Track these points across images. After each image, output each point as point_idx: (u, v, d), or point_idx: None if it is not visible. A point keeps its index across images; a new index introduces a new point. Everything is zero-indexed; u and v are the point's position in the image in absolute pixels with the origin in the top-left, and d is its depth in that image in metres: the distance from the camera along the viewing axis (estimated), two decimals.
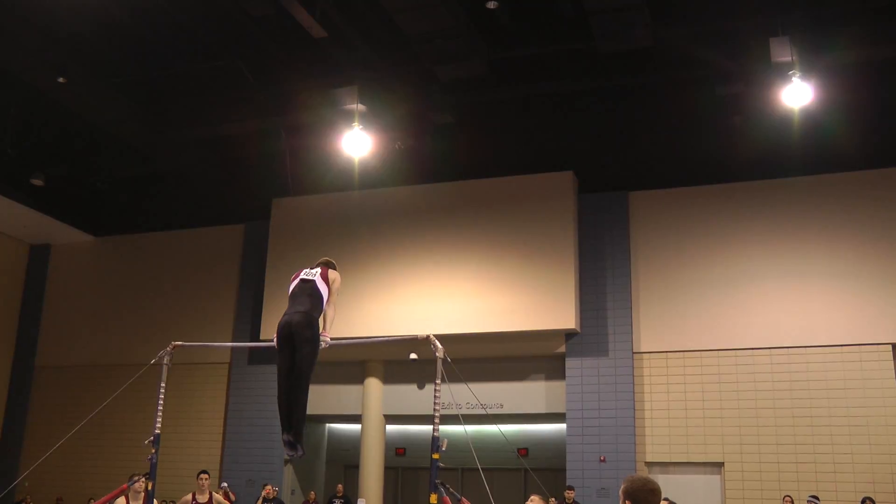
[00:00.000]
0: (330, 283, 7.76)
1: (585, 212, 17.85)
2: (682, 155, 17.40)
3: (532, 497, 7.98)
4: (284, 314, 7.56)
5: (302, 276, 7.79)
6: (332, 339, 7.74)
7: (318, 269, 7.82)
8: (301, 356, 7.35)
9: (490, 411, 16.48)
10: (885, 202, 16.26)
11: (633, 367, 16.93)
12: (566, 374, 17.27)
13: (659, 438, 16.60)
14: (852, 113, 15.49)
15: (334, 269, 7.98)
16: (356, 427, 19.83)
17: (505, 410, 17.81)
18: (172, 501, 15.47)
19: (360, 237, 18.60)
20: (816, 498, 14.50)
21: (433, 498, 7.23)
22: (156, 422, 8.65)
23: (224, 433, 19.49)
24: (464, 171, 18.39)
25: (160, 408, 8.70)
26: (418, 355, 17.77)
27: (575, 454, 16.83)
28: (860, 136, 15.92)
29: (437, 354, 7.64)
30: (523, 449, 19.57)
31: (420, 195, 18.70)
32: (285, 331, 7.43)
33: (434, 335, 7.76)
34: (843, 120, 15.44)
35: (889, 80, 15.10)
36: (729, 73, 15.14)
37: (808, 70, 13.78)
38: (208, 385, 19.95)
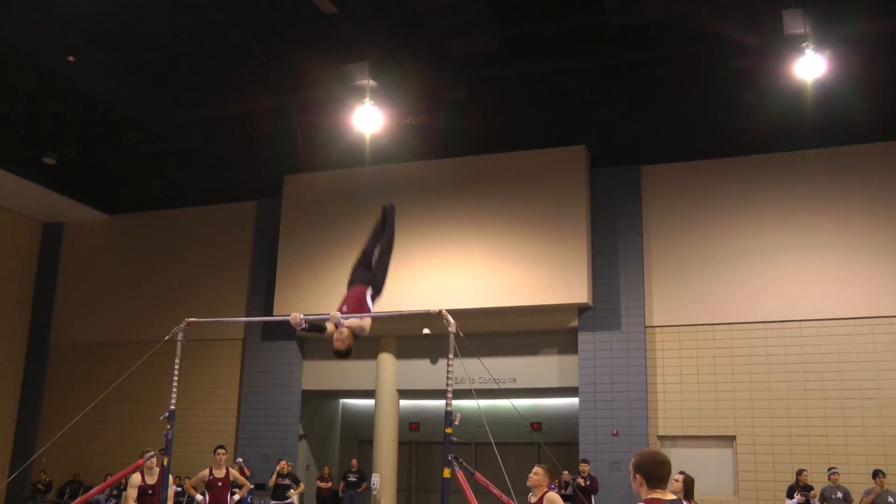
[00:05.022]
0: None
1: (598, 186, 17.80)
2: (695, 128, 17.32)
3: (536, 469, 7.89)
4: None
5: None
6: (343, 315, 7.82)
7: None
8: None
9: (503, 386, 16.54)
10: None
11: (645, 342, 16.94)
12: (579, 349, 17.30)
13: (671, 412, 16.63)
14: (866, 85, 15.37)
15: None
16: (370, 402, 19.94)
17: (518, 385, 17.85)
18: (188, 477, 15.60)
19: (372, 213, 18.42)
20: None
21: (446, 472, 7.26)
22: (171, 398, 8.69)
23: (239, 409, 19.62)
24: (475, 147, 18.35)
25: (175, 384, 8.76)
26: (431, 330, 17.79)
27: (588, 428, 16.89)
28: (874, 108, 15.80)
29: (450, 329, 7.62)
30: (536, 423, 19.65)
31: (432, 171, 18.68)
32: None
33: (447, 310, 7.75)
34: (857, 92, 15.32)
35: None
36: (741, 46, 15.02)
37: (821, 42, 13.66)
38: (222, 361, 20.08)
